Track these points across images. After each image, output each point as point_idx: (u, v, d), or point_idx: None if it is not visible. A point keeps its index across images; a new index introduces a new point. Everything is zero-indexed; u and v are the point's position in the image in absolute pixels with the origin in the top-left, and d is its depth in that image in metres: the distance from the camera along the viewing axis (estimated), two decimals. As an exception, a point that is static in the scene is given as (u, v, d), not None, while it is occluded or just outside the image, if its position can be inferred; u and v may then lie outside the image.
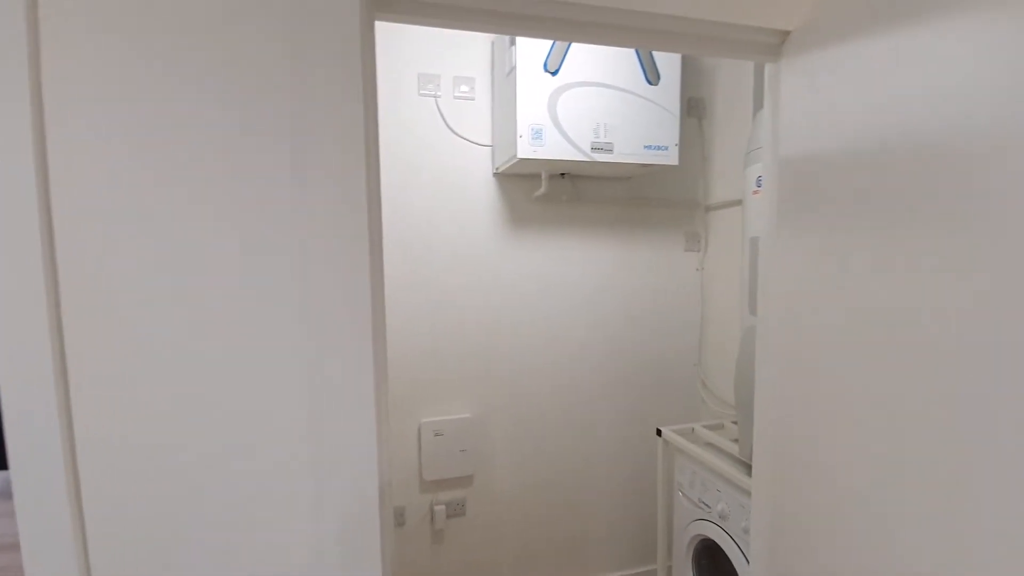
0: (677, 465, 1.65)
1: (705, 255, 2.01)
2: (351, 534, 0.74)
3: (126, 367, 0.65)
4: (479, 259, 1.77)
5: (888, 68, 0.70)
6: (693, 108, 1.92)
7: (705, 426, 1.69)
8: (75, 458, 0.64)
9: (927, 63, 0.64)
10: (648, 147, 1.58)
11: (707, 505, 1.48)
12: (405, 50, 1.65)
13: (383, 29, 1.57)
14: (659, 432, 1.70)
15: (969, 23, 0.58)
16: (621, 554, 2.02)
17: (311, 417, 0.71)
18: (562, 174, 1.76)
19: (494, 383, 1.81)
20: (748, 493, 1.31)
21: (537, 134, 1.48)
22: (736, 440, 1.58)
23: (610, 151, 1.54)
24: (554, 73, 1.48)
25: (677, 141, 1.61)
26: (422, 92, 1.67)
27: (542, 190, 1.68)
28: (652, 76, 1.56)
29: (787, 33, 0.84)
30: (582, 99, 1.51)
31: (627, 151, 1.56)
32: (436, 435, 1.74)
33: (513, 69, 1.48)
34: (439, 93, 1.68)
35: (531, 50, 1.46)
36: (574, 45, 1.48)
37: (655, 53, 1.56)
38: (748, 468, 1.38)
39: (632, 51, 1.54)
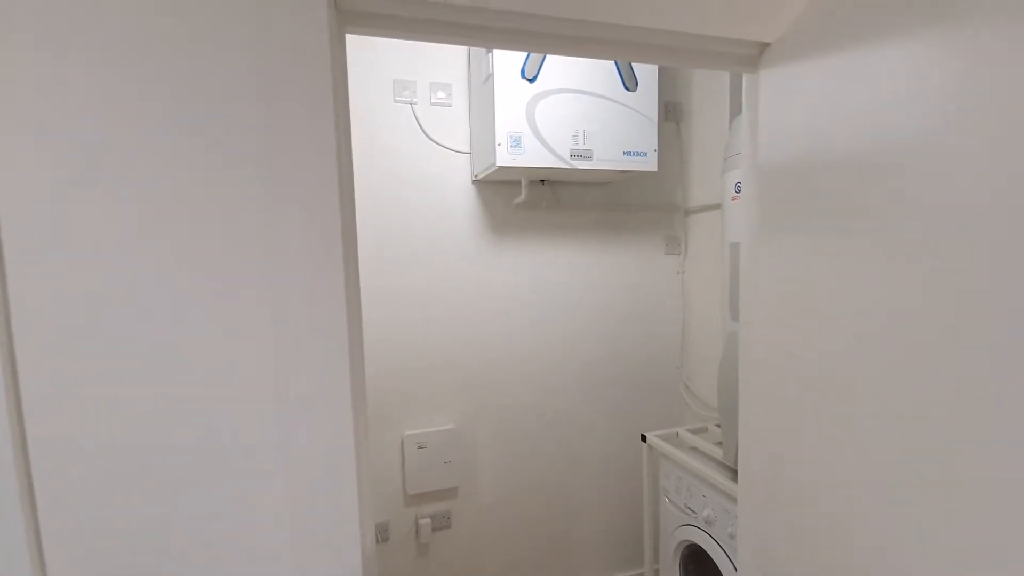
0: (662, 470, 1.65)
1: (685, 258, 2.02)
2: (330, 556, 0.72)
3: (81, 397, 0.61)
4: (460, 267, 1.74)
5: (854, 82, 0.70)
6: (671, 112, 1.92)
7: (689, 430, 1.70)
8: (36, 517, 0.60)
9: (876, 79, 0.65)
10: (627, 153, 1.57)
11: (693, 511, 1.49)
12: (379, 56, 1.62)
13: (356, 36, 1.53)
14: (644, 438, 1.70)
15: (912, 44, 0.60)
16: (608, 558, 2.02)
17: (283, 437, 0.68)
18: (542, 180, 1.75)
19: (478, 392, 1.79)
20: (733, 499, 1.32)
21: (516, 142, 1.46)
22: (719, 443, 1.59)
23: (589, 158, 1.53)
24: (532, 80, 1.46)
25: (656, 147, 1.61)
26: (398, 99, 1.64)
27: (522, 197, 1.67)
28: (630, 82, 1.55)
29: (766, 45, 0.84)
30: (560, 106, 1.50)
31: (606, 158, 1.55)
32: (419, 447, 1.71)
33: (490, 76, 1.46)
34: (415, 100, 1.65)
35: (508, 57, 1.44)
36: (551, 52, 1.47)
37: (632, 59, 1.55)
38: (733, 473, 1.39)
39: (609, 57, 1.53)
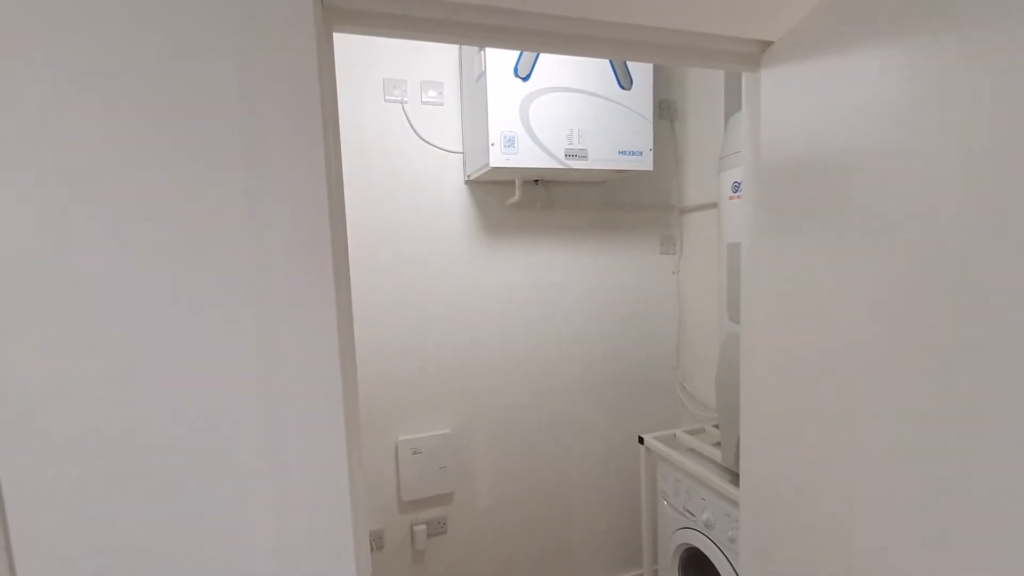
0: (660, 472, 1.63)
1: (680, 258, 2.00)
2: (323, 566, 0.69)
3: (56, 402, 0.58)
4: (453, 269, 1.71)
5: (859, 82, 0.68)
6: (665, 110, 1.90)
7: (686, 431, 1.68)
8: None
9: (881, 80, 0.63)
10: (622, 152, 1.55)
11: (692, 514, 1.47)
12: (369, 54, 1.58)
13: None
14: (641, 440, 1.68)
15: (918, 45, 0.58)
16: (607, 560, 2.00)
17: (271, 443, 0.65)
18: (536, 180, 1.72)
19: (473, 396, 1.76)
20: (733, 502, 1.30)
21: (510, 142, 1.43)
22: (717, 444, 1.58)
23: (584, 158, 1.51)
24: (525, 79, 1.43)
25: (651, 146, 1.58)
26: (388, 98, 1.60)
27: (516, 197, 1.64)
28: (624, 80, 1.53)
29: (768, 44, 0.82)
30: (554, 105, 1.47)
31: (601, 157, 1.52)
32: (414, 453, 1.68)
33: (483, 75, 1.43)
34: (406, 99, 1.62)
35: (501, 55, 1.41)
36: (545, 49, 1.44)
37: (627, 56, 1.53)
38: (732, 475, 1.37)
39: (604, 55, 1.50)
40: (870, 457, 0.70)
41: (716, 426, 1.69)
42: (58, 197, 0.57)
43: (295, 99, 0.63)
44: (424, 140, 1.65)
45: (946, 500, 0.61)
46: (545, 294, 1.83)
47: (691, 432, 1.68)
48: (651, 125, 1.58)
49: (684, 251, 2.00)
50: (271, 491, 0.67)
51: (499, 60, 1.41)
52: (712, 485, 1.37)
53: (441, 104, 1.66)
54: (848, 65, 0.69)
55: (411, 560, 1.72)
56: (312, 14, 0.62)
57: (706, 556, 1.41)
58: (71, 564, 0.61)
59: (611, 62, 1.51)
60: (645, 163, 1.58)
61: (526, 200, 1.71)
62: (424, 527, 1.71)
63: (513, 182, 1.67)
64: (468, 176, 1.67)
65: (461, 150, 1.68)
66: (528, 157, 1.46)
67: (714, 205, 1.80)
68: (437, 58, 1.65)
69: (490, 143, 1.42)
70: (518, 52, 1.42)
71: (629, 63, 1.53)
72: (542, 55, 1.44)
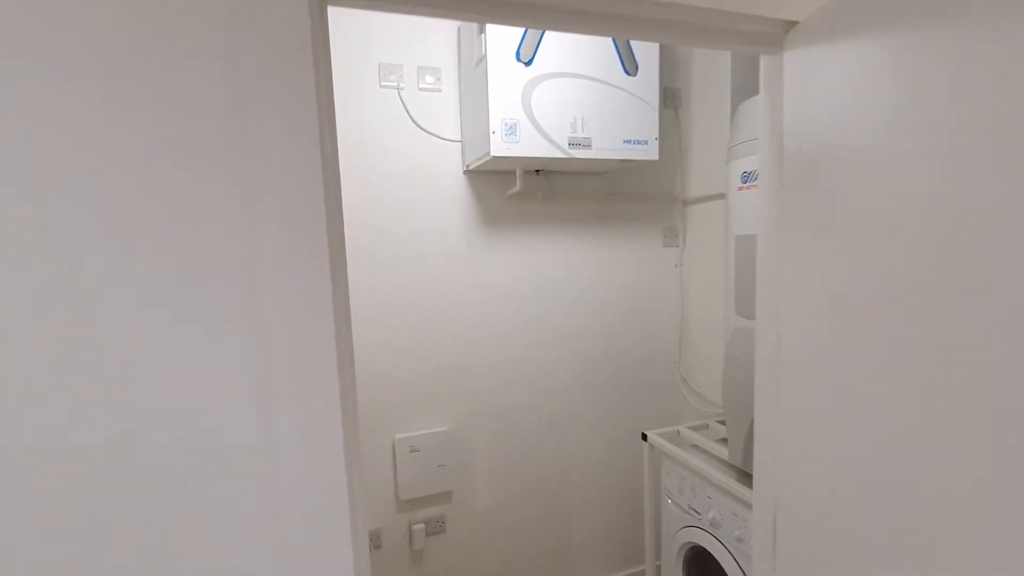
0: (664, 469, 1.60)
1: (683, 250, 1.96)
2: (320, 568, 0.65)
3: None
4: (451, 262, 1.66)
5: (893, 67, 0.64)
6: (669, 99, 1.85)
7: (690, 427, 1.65)
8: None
9: (917, 65, 0.58)
10: (627, 142, 1.50)
11: (697, 512, 1.44)
12: (363, 38, 1.51)
13: (337, 14, 1.43)
14: (644, 436, 1.65)
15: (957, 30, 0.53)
16: (608, 558, 1.98)
17: (267, 443, 0.61)
18: (537, 170, 1.67)
19: (472, 393, 1.72)
20: (741, 501, 1.27)
21: (511, 130, 1.38)
22: (722, 440, 1.54)
23: (588, 147, 1.46)
24: (527, 63, 1.37)
25: (657, 135, 1.53)
26: (384, 84, 1.54)
27: (516, 188, 1.59)
28: (630, 66, 1.47)
29: (792, 23, 0.77)
30: (557, 91, 1.41)
31: (605, 146, 1.47)
32: (412, 451, 1.64)
33: (483, 59, 1.37)
34: (402, 85, 1.55)
35: (502, 38, 1.35)
36: (548, 32, 1.38)
37: (633, 43, 1.47)
38: (740, 473, 1.34)
39: (609, 40, 1.45)
40: (903, 465, 0.66)
41: (720, 422, 1.66)
42: (44, 196, 0.52)
43: (288, 79, 0.58)
44: (421, 128, 1.59)
45: (983, 510, 0.57)
46: (545, 288, 1.78)
47: (695, 428, 1.65)
48: (657, 113, 1.53)
49: (687, 244, 1.96)
50: (268, 492, 0.63)
51: (500, 43, 1.35)
52: (719, 483, 1.34)
53: (439, 91, 1.60)
54: (886, 46, 0.64)
55: (409, 560, 1.69)
56: (305, -15, 0.56)
57: (712, 555, 1.38)
58: (70, 565, 0.57)
59: (616, 46, 1.46)
60: (650, 152, 1.53)
61: (527, 191, 1.66)
62: (422, 526, 1.67)
63: (513, 172, 1.61)
64: (467, 166, 1.62)
65: (459, 139, 1.63)
66: (530, 146, 1.40)
67: (719, 196, 1.76)
68: (435, 42, 1.58)
69: (491, 131, 1.36)
70: (519, 35, 1.36)
71: (635, 47, 1.48)
72: (545, 38, 1.38)
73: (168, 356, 0.57)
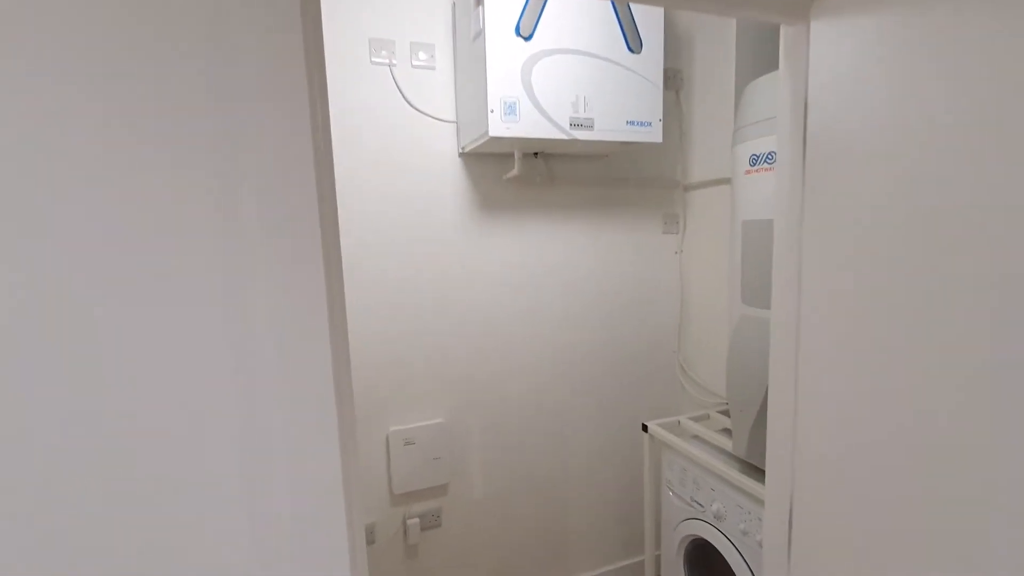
0: (665, 461, 1.57)
1: (683, 237, 1.92)
2: (314, 567, 0.61)
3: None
4: (446, 249, 1.60)
5: (936, 41, 0.58)
6: (670, 80, 1.79)
7: (691, 418, 1.62)
8: None
9: (964, 40, 0.53)
10: (631, 123, 1.44)
11: (700, 504, 1.41)
12: (353, 12, 1.43)
13: (325, -16, 1.34)
14: (645, 428, 1.61)
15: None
16: (607, 550, 1.95)
17: (259, 446, 0.56)
18: (535, 153, 1.60)
19: (468, 384, 1.67)
20: (747, 494, 1.24)
21: (510, 109, 1.31)
22: (724, 430, 1.51)
23: (590, 128, 1.39)
24: (528, 38, 1.30)
25: (661, 116, 1.48)
26: (375, 60, 1.46)
27: (515, 171, 1.52)
28: (634, 43, 1.41)
29: (823, -13, 0.71)
30: (559, 68, 1.35)
31: (608, 127, 1.41)
32: (407, 444, 1.58)
33: (480, 33, 1.30)
34: (394, 61, 1.47)
35: (501, 10, 1.28)
36: (549, 4, 1.31)
37: (637, 18, 1.40)
38: (744, 465, 1.31)
39: (612, 15, 1.38)
40: (936, 453, 0.62)
41: (722, 412, 1.63)
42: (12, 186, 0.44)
43: (276, 55, 0.51)
44: (414, 108, 1.51)
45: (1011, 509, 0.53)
46: (543, 276, 1.73)
47: (696, 419, 1.62)
48: (661, 93, 1.47)
49: (687, 230, 1.91)
50: (261, 490, 0.57)
51: (499, 16, 1.28)
52: (723, 475, 1.30)
53: (433, 68, 1.52)
54: (926, 16, 0.59)
55: (404, 554, 1.64)
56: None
57: (715, 548, 1.35)
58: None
59: (619, 21, 1.39)
60: (654, 135, 1.47)
61: (525, 175, 1.59)
62: (417, 520, 1.62)
63: (511, 155, 1.55)
64: (462, 148, 1.54)
65: (454, 119, 1.55)
66: (531, 126, 1.33)
67: (721, 181, 1.71)
68: (428, 17, 1.50)
69: (489, 110, 1.29)
70: (520, 7, 1.29)
71: (639, 23, 1.41)
72: (546, 12, 1.31)
73: (146, 348, 0.51)
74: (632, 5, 1.37)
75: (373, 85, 1.47)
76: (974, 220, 0.57)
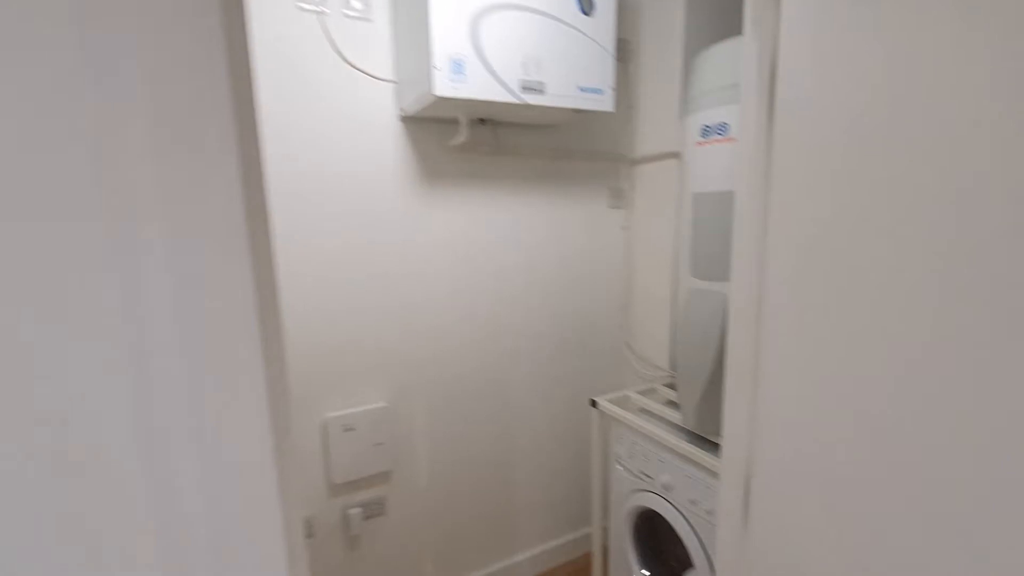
0: (614, 435, 1.57)
1: (630, 213, 1.91)
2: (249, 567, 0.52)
3: None
4: (385, 221, 1.48)
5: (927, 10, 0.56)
6: (619, 51, 1.74)
7: (638, 392, 1.63)
8: None
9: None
10: (582, 89, 1.38)
11: (649, 476, 1.43)
12: (273, -54, 1.25)
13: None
14: (594, 403, 1.60)
15: None
16: (555, 524, 1.96)
17: (178, 436, 0.45)
18: (482, 120, 1.51)
19: (411, 365, 1.57)
20: (697, 464, 1.26)
21: (458, 67, 1.20)
22: (669, 403, 1.53)
23: (542, 92, 1.32)
24: (476, -12, 1.20)
25: (613, 84, 1.43)
26: (301, 5, 1.29)
27: (462, 138, 1.42)
28: (586, 3, 1.34)
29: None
30: (509, 25, 1.25)
31: (560, 93, 1.34)
32: (346, 430, 1.48)
33: (424, -20, 1.17)
34: (324, 9, 1.31)
35: (446, -44, 1.16)
36: (500, -46, 1.20)
37: (590, -25, 1.33)
38: (692, 436, 1.33)
39: (565, -30, 1.30)
40: (902, 427, 0.63)
41: (667, 385, 1.66)
42: None
43: None
44: (348, 63, 1.36)
45: (977, 504, 0.54)
46: (488, 251, 1.65)
47: (643, 393, 1.63)
48: (612, 60, 1.41)
49: (634, 205, 1.90)
50: (169, 491, 0.47)
51: (444, -37, 1.16)
52: (673, 447, 1.32)
53: (369, 20, 1.37)
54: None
55: (345, 546, 1.55)
56: None
57: (663, 518, 1.38)
58: None
59: (572, -20, 1.31)
60: (606, 103, 1.42)
61: (471, 143, 1.50)
62: (359, 510, 1.53)
63: (456, 120, 1.44)
64: (403, 110, 1.42)
65: (394, 78, 1.42)
66: (480, 87, 1.24)
67: (668, 156, 1.70)
68: (362, -40, 1.35)
69: (433, 67, 1.18)
70: (467, -45, 1.18)
71: (592, -16, 1.34)
72: (496, -38, 1.20)
73: (33, 340, 0.39)
74: (585, -37, 1.29)
75: (300, 34, 1.30)
76: (949, 191, 0.56)
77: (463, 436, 1.70)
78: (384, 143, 1.44)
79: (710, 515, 1.23)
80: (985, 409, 0.55)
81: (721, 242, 1.25)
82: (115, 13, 0.37)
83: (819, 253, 0.71)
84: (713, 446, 1.27)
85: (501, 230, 1.66)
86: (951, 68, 0.56)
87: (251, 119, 0.47)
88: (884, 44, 0.62)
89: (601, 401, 1.59)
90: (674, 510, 1.34)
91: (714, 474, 1.22)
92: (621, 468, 1.54)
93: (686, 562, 1.31)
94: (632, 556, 1.53)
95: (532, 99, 1.30)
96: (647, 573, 1.50)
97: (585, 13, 1.34)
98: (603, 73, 1.40)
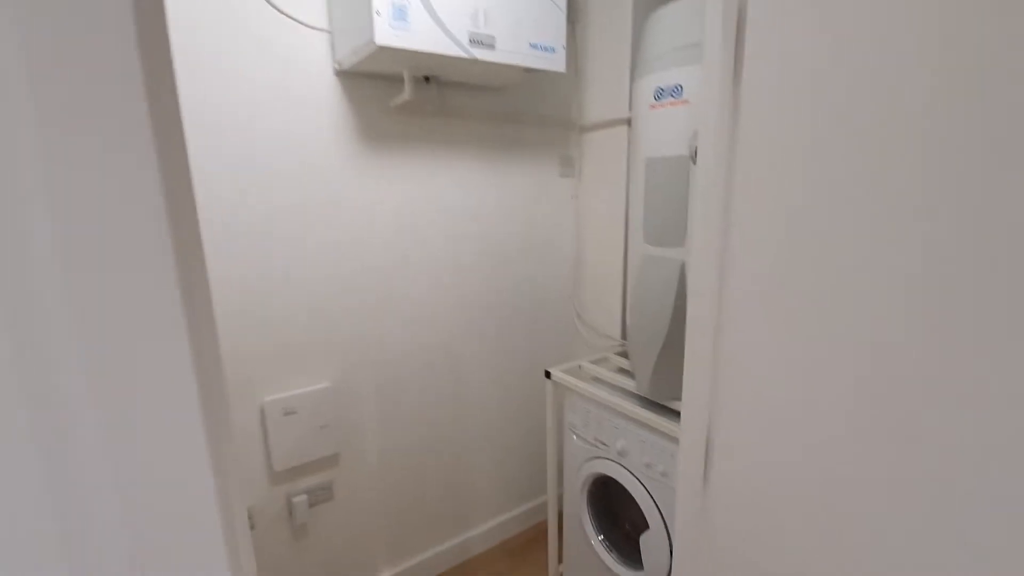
0: (567, 404, 1.57)
1: (579, 182, 1.88)
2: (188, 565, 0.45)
3: None
4: (319, 185, 1.35)
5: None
6: (568, 12, 1.68)
7: (591, 361, 1.63)
8: None
9: None
10: (534, 46, 1.31)
11: (604, 444, 1.43)
12: None
13: None
14: (548, 374, 1.59)
15: None
16: (510, 497, 1.95)
17: (90, 428, 0.37)
18: (426, 78, 1.40)
19: (356, 341, 1.48)
20: (652, 429, 1.27)
21: (400, 13, 1.10)
22: (621, 371, 1.54)
23: (492, 47, 1.24)
24: (419, -74, 1.09)
25: (564, 42, 1.36)
26: (214, -65, 1.12)
27: (405, 95, 1.31)
28: (537, -47, 1.26)
29: None
30: (456, -29, 1.15)
31: (511, 48, 1.27)
32: (287, 414, 1.37)
33: (359, -88, 1.05)
34: (243, -59, 1.15)
35: None
36: None
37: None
38: (647, 402, 1.34)
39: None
40: (872, 390, 0.64)
41: (619, 354, 1.66)
42: None
43: None
44: (275, 7, 1.21)
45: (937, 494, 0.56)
46: (435, 220, 1.57)
47: (595, 362, 1.63)
48: (564, 16, 1.35)
49: (583, 174, 1.87)
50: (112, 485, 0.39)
51: None
52: (629, 414, 1.32)
53: (296, -42, 1.23)
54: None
55: (291, 536, 1.46)
56: None
57: (618, 483, 1.39)
58: None
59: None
60: (557, 62, 1.36)
61: (416, 103, 1.39)
62: (305, 497, 1.44)
63: (398, 78, 1.33)
64: (339, 63, 1.29)
65: (328, 27, 1.28)
66: (425, 38, 1.14)
67: (617, 122, 1.68)
68: None
69: (374, 11, 1.07)
70: None
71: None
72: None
73: None
74: (535, -93, 1.21)
75: (215, -29, 1.14)
76: (932, 154, 0.55)
77: (414, 414, 1.64)
78: (319, 101, 1.31)
79: (665, 477, 1.25)
80: (952, 368, 0.56)
81: (675, 208, 1.24)
82: None
83: (789, 217, 0.70)
84: (667, 411, 1.28)
85: (448, 198, 1.58)
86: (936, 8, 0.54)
87: (163, 53, 0.38)
88: (857, -10, 0.60)
89: (555, 371, 1.57)
90: (629, 475, 1.35)
91: (669, 438, 1.23)
92: (575, 437, 1.54)
93: (641, 524, 1.34)
94: (587, 522, 1.55)
95: (481, 54, 1.22)
96: (602, 538, 1.53)
97: (536, -37, 1.26)
98: (555, 30, 1.33)
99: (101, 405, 0.38)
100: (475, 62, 1.23)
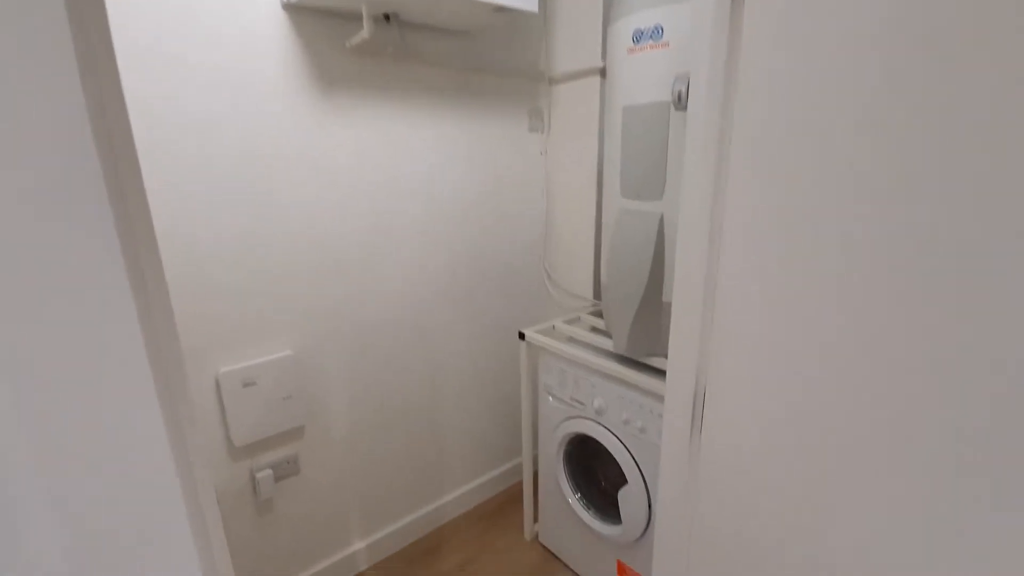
0: (542, 365, 1.54)
1: (549, 137, 1.80)
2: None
3: None
4: (269, 138, 1.23)
5: None
6: (535, -52, 1.56)
7: (564, 322, 1.60)
8: None
9: None
10: (505, -17, 1.20)
11: (580, 403, 1.42)
12: None
13: None
14: (522, 335, 1.55)
15: None
16: (484, 460, 1.93)
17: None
18: (387, 16, 1.28)
19: (319, 307, 1.39)
20: (631, 385, 1.26)
21: (357, -66, 0.97)
22: (594, 330, 1.52)
23: (460, -19, 1.13)
24: None
25: (536, -20, 1.27)
26: None
27: (364, 34, 1.19)
28: None
29: None
30: None
31: (480, -16, 1.16)
32: (246, 386, 1.28)
33: None
34: None
35: None
36: None
37: None
38: (624, 360, 1.32)
39: None
40: (866, 342, 0.62)
41: (592, 314, 1.64)
42: None
43: None
44: (207, -76, 1.05)
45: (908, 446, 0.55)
46: (397, 173, 1.47)
47: (569, 322, 1.60)
48: (535, -49, 1.25)
49: (552, 128, 1.79)
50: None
51: None
52: (607, 372, 1.31)
53: None
54: None
55: (255, 512, 1.38)
56: None
57: (596, 440, 1.38)
58: None
59: None
60: (529, 2, 1.27)
61: (374, 43, 1.27)
62: (269, 472, 1.36)
63: (357, 13, 1.21)
64: (287, -4, 1.15)
65: (272, -48, 1.14)
66: (386, -35, 1.02)
67: (590, 72, 1.61)
68: None
69: (327, -69, 0.94)
70: None
71: None
72: None
73: None
74: None
75: None
76: (949, 120, 0.52)
77: (383, 381, 1.57)
78: (266, 41, 1.17)
79: (643, 432, 1.25)
80: (936, 328, 0.54)
81: (655, 159, 1.19)
82: None
83: (791, 162, 0.66)
84: (645, 367, 1.27)
85: (411, 152, 1.48)
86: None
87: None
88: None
89: (529, 332, 1.53)
90: (607, 432, 1.35)
91: (648, 394, 1.22)
92: (551, 398, 1.52)
93: (618, 480, 1.34)
94: (564, 481, 1.55)
95: (449, -13, 1.11)
96: (579, 496, 1.53)
97: None
98: (526, -35, 1.23)
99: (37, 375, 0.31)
100: (441, -3, 1.12)
